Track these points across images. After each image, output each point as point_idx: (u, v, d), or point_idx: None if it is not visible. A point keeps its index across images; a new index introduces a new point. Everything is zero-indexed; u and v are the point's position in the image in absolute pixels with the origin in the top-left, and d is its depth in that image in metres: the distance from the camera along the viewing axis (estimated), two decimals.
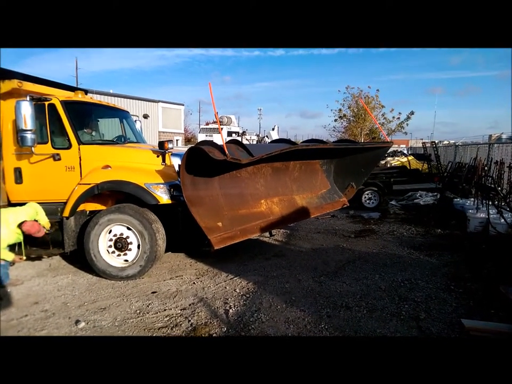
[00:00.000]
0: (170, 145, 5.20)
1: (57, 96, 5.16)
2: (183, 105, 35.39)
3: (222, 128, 19.50)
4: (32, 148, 4.80)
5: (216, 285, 4.78)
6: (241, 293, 4.48)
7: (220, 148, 4.29)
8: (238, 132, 28.15)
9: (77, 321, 3.78)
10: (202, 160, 4.22)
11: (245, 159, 4.42)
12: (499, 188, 7.35)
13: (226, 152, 4.15)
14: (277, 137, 26.65)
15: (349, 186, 7.03)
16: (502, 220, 6.28)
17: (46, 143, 5.00)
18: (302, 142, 6.83)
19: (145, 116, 7.96)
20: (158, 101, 31.83)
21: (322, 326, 3.64)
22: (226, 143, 4.46)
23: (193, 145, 4.63)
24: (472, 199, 8.28)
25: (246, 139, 26.43)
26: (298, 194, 6.31)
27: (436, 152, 13.83)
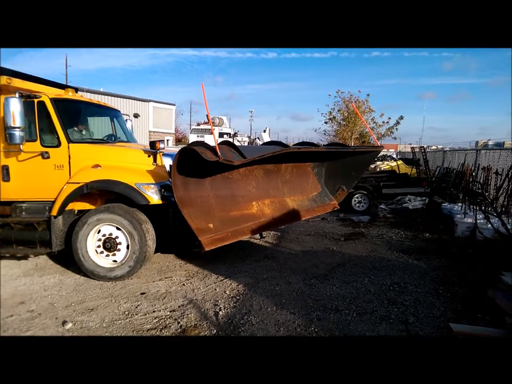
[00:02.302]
0: (161, 145, 5.16)
1: (47, 94, 5.09)
2: (174, 105, 35.26)
3: (214, 129, 19.58)
4: (21, 145, 4.72)
5: (206, 286, 4.75)
6: (232, 295, 4.46)
7: (212, 148, 4.28)
8: (230, 133, 28.14)
9: (64, 322, 3.72)
10: (194, 161, 4.19)
11: (237, 160, 4.41)
12: (486, 193, 7.47)
13: (219, 153, 4.13)
14: (269, 139, 26.70)
15: (339, 189, 7.07)
16: (489, 225, 6.37)
17: (35, 140, 4.92)
18: (294, 145, 6.86)
19: (136, 115, 7.92)
20: (149, 101, 31.63)
21: (312, 328, 3.64)
22: (219, 144, 4.45)
23: (185, 145, 4.59)
24: (459, 204, 8.40)
25: (238, 140, 26.42)
26: (290, 197, 6.33)
27: (424, 157, 14.01)
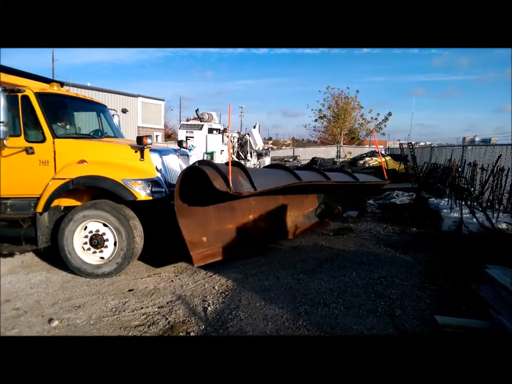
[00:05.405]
0: (149, 141, 5.11)
1: (31, 88, 4.99)
2: (163, 100, 34.96)
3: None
4: (4, 140, 4.63)
5: (195, 282, 4.74)
6: (220, 291, 4.46)
7: (223, 174, 4.17)
8: (219, 129, 27.97)
9: (50, 320, 3.67)
10: (201, 178, 4.11)
11: (247, 190, 4.35)
12: (472, 189, 7.59)
13: (231, 185, 4.06)
14: (259, 135, 26.56)
15: (335, 209, 7.27)
16: (474, 220, 6.49)
17: (19, 136, 4.83)
18: (300, 166, 6.89)
19: (124, 110, 7.80)
20: (138, 96, 31.30)
21: (300, 323, 3.67)
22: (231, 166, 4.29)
23: (196, 163, 4.42)
24: (446, 199, 8.52)
25: (227, 136, 26.25)
26: (288, 212, 6.38)
27: (412, 153, 14.17)
